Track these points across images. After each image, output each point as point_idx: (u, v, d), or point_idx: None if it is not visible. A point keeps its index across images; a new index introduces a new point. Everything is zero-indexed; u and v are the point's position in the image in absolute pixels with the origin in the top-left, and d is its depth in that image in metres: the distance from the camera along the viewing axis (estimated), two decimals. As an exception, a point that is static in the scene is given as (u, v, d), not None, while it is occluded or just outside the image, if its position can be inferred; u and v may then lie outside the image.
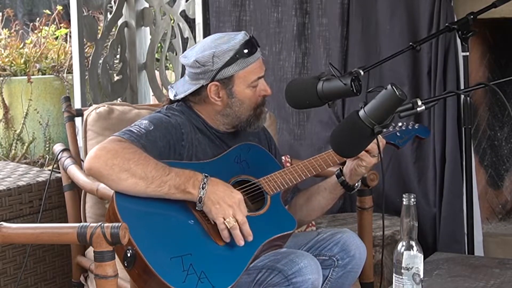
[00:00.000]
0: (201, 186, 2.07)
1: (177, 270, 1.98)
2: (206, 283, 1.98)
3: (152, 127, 2.18)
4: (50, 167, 3.58)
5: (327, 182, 2.43)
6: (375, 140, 2.16)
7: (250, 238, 2.10)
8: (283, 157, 2.84)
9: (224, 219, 2.07)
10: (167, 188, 2.05)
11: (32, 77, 4.27)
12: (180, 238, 2.05)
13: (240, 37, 2.25)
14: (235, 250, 2.09)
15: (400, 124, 2.50)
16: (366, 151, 2.27)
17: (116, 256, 1.84)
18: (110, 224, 1.79)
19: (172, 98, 2.35)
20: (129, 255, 1.97)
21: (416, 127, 2.52)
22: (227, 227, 2.07)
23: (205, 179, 2.08)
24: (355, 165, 2.33)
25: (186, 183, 2.07)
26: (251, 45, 2.26)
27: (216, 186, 2.09)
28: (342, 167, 2.40)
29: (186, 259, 2.00)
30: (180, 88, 2.34)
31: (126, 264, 1.99)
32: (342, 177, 2.38)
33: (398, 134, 2.48)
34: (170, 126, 2.22)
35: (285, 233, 2.23)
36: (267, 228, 2.19)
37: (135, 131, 2.15)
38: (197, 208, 2.09)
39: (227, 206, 2.07)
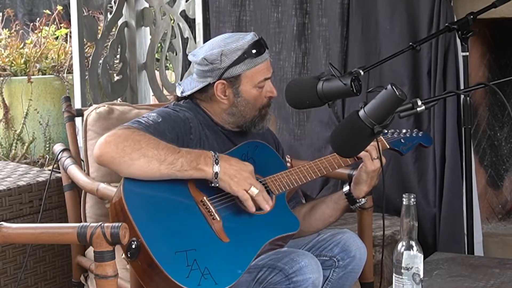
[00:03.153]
0: (214, 162, 2.09)
1: (181, 265, 1.98)
2: (209, 279, 1.99)
3: (161, 119, 2.19)
4: (50, 167, 3.58)
5: (334, 193, 2.44)
6: (373, 142, 2.15)
7: (271, 203, 2.16)
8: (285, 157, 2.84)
9: (246, 191, 2.11)
10: (179, 165, 2.06)
11: (32, 77, 4.27)
12: (186, 233, 2.06)
13: (249, 37, 2.27)
14: (239, 248, 2.09)
15: (404, 130, 2.51)
16: (366, 151, 2.27)
17: (116, 256, 1.84)
18: (110, 224, 1.79)
19: (179, 95, 2.37)
20: (133, 246, 1.97)
21: (420, 135, 2.52)
22: (250, 197, 2.12)
23: (216, 155, 2.11)
24: (358, 171, 2.33)
25: (198, 159, 2.09)
26: (259, 46, 2.28)
27: (228, 160, 2.12)
28: None
29: (190, 254, 2.01)
30: (187, 85, 2.36)
31: (129, 255, 1.99)
32: (349, 187, 2.38)
33: (402, 140, 2.48)
34: (179, 119, 2.23)
35: (289, 233, 2.24)
36: (271, 227, 2.20)
37: (143, 122, 2.16)
38: (212, 184, 2.11)
39: (244, 178, 2.11)
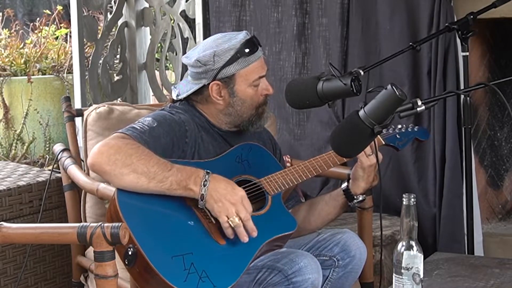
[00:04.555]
0: (202, 183, 2.06)
1: (179, 269, 1.98)
2: (207, 282, 1.99)
3: (156, 124, 2.18)
4: (50, 167, 3.58)
5: (333, 190, 2.44)
6: None
7: (255, 234, 2.10)
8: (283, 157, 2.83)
9: (228, 218, 2.07)
10: (168, 184, 2.05)
11: (32, 77, 4.27)
12: (182, 237, 2.06)
13: (241, 36, 2.26)
14: (236, 249, 2.09)
15: (399, 126, 2.50)
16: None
17: (116, 256, 1.84)
18: (110, 224, 1.79)
19: (175, 98, 2.36)
20: (130, 253, 1.97)
21: (416, 130, 2.51)
22: (231, 226, 2.07)
23: (207, 176, 2.08)
24: (354, 168, 2.33)
25: (188, 179, 2.06)
26: (252, 44, 2.26)
27: (218, 183, 2.09)
28: None
29: (187, 258, 2.00)
30: (183, 88, 2.35)
31: (126, 262, 1.99)
32: (347, 183, 2.37)
33: (398, 136, 2.47)
34: (174, 123, 2.22)
35: (286, 233, 2.23)
36: (268, 228, 2.19)
37: (138, 128, 2.16)
38: (199, 205, 2.08)
39: (229, 204, 2.07)
